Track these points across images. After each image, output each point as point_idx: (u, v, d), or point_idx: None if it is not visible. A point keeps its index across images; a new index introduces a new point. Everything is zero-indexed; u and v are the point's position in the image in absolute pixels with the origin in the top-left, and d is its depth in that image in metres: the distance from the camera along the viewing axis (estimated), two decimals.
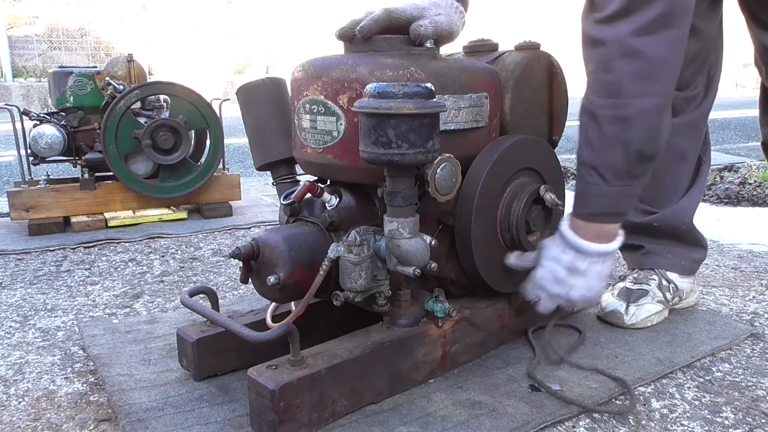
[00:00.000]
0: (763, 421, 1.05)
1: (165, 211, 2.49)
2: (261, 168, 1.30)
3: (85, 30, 9.68)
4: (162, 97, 2.46)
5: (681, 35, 1.05)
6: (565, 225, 1.14)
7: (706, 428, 1.03)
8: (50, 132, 2.31)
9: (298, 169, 1.27)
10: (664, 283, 1.44)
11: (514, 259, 1.20)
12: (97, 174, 2.43)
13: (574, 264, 1.12)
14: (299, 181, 1.25)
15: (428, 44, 1.11)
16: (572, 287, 1.13)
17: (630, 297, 1.40)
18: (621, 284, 1.46)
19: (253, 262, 1.06)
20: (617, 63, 1.03)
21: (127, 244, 2.16)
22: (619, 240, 1.15)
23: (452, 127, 1.12)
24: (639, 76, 1.03)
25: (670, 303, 1.44)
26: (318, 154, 1.12)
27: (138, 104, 2.41)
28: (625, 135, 1.06)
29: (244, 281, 1.09)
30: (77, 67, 2.46)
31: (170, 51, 10.05)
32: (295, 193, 1.11)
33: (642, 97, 1.04)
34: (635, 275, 1.47)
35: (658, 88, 1.05)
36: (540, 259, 1.16)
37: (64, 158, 2.44)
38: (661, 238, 1.49)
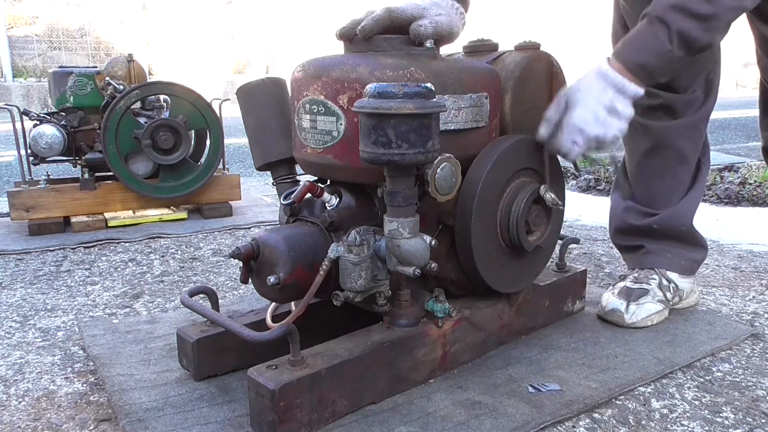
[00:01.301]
0: (763, 421, 1.05)
1: (165, 211, 2.49)
2: (261, 168, 1.30)
3: (85, 30, 9.68)
4: (162, 97, 2.46)
5: None
6: (605, 65, 1.15)
7: (706, 428, 1.03)
8: (50, 132, 2.31)
9: (298, 169, 1.27)
10: (665, 282, 1.44)
11: (543, 128, 1.20)
12: (97, 174, 2.43)
13: (614, 104, 1.14)
14: (299, 181, 1.25)
15: (428, 44, 1.11)
16: (610, 126, 1.15)
17: (630, 296, 1.40)
18: (621, 283, 1.46)
19: (253, 262, 1.06)
20: None
21: (127, 244, 2.16)
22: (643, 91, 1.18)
23: (452, 127, 1.12)
24: None
25: (671, 303, 1.45)
26: (318, 154, 1.12)
27: (138, 104, 2.41)
28: (714, 23, 1.12)
29: (244, 281, 1.09)
30: (77, 67, 2.46)
31: (170, 51, 10.05)
32: (295, 193, 1.11)
33: None
34: (635, 275, 1.47)
35: None
36: (573, 103, 1.16)
37: (64, 158, 2.44)
38: (661, 239, 1.49)
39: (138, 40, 9.61)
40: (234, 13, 10.80)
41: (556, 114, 1.19)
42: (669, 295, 1.43)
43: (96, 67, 2.51)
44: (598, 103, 1.14)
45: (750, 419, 1.05)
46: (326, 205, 1.13)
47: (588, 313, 1.47)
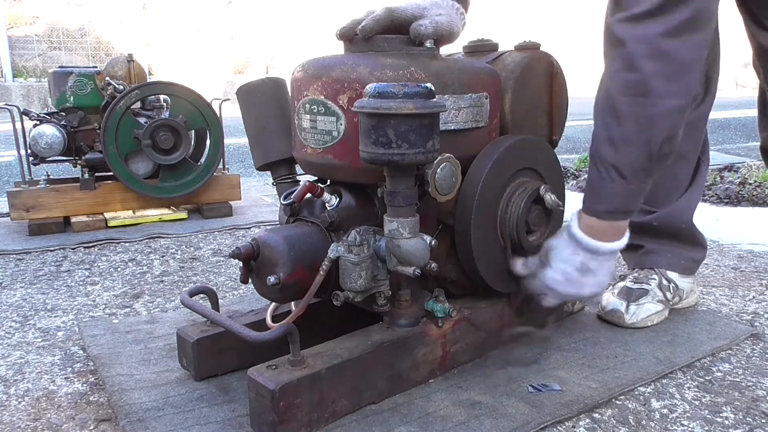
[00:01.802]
0: (763, 421, 1.05)
1: (165, 211, 2.49)
2: (261, 168, 1.30)
3: (85, 30, 9.68)
4: (162, 97, 2.46)
5: (706, 38, 1.06)
6: (575, 225, 1.14)
7: (706, 428, 1.03)
8: (50, 132, 2.31)
9: (298, 169, 1.27)
10: (665, 282, 1.44)
11: (520, 267, 1.20)
12: (97, 174, 2.43)
13: (586, 264, 1.13)
14: (299, 181, 1.25)
15: (428, 44, 1.11)
16: (583, 286, 1.14)
17: (630, 296, 1.40)
18: (621, 283, 1.46)
19: (253, 262, 1.06)
20: (644, 63, 1.02)
21: (127, 244, 2.16)
22: (627, 236, 1.16)
23: (452, 127, 1.12)
24: (666, 77, 1.03)
25: (671, 303, 1.44)
26: (318, 154, 1.12)
27: (138, 104, 2.41)
28: (648, 133, 1.06)
29: (244, 281, 1.09)
30: (77, 67, 2.46)
31: (170, 51, 10.05)
32: (295, 193, 1.11)
33: (668, 98, 1.04)
34: (635, 274, 1.47)
35: (683, 89, 1.05)
36: (548, 261, 1.16)
37: (64, 158, 2.44)
38: (661, 238, 1.49)
39: (138, 40, 9.61)
40: (234, 13, 10.80)
41: (534, 265, 1.19)
42: (669, 295, 1.43)
43: (96, 67, 2.51)
44: (568, 265, 1.13)
45: (750, 419, 1.05)
46: (326, 205, 1.13)
47: (588, 313, 1.47)
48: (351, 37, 1.12)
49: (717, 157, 3.85)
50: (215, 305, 1.19)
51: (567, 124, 1.39)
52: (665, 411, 1.08)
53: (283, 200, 1.17)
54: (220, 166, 2.57)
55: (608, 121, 1.08)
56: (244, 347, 1.16)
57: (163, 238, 2.24)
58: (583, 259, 1.13)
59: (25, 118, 2.35)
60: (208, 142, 2.55)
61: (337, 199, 1.13)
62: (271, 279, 1.01)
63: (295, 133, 1.17)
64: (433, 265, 1.06)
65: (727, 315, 1.48)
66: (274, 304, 1.22)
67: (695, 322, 1.42)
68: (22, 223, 2.33)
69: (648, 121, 1.05)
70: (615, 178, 1.09)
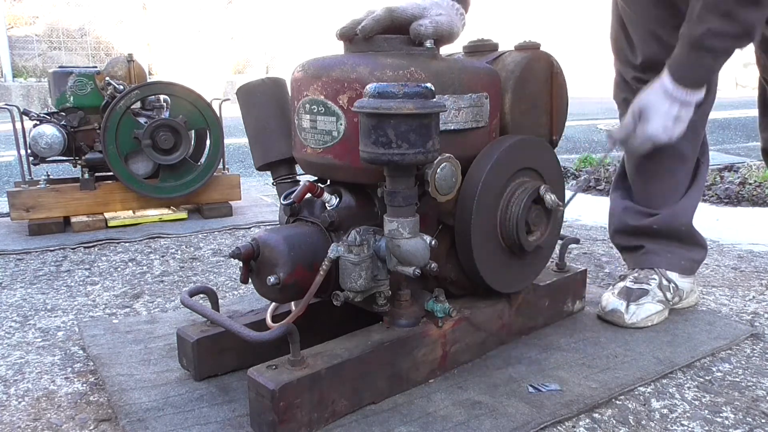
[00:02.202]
0: (763, 421, 1.05)
1: (165, 211, 2.49)
2: (261, 168, 1.30)
3: (85, 30, 9.68)
4: (162, 97, 2.46)
5: None
6: (669, 83, 1.28)
7: (706, 428, 1.03)
8: (50, 132, 2.31)
9: (298, 169, 1.27)
10: (665, 282, 1.44)
11: (617, 132, 1.38)
12: (97, 174, 2.43)
13: (680, 113, 1.30)
14: (299, 181, 1.25)
15: (428, 44, 1.11)
16: (674, 131, 1.32)
17: (630, 296, 1.40)
18: (621, 284, 1.46)
19: (253, 262, 1.06)
20: None
21: (127, 244, 2.16)
22: (705, 87, 1.32)
23: (452, 127, 1.12)
24: None
25: (671, 303, 1.45)
26: (318, 154, 1.12)
27: (138, 104, 2.41)
28: (745, 37, 1.22)
29: (244, 281, 1.09)
30: (77, 67, 2.46)
31: (170, 51, 10.05)
32: (295, 193, 1.11)
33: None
34: (635, 275, 1.47)
35: None
36: (646, 117, 1.32)
37: (64, 158, 2.44)
38: (661, 239, 1.49)
39: (138, 40, 9.61)
40: (234, 13, 10.80)
41: (632, 123, 1.35)
42: (669, 295, 1.43)
43: (96, 67, 2.51)
44: (667, 117, 1.30)
45: (750, 419, 1.05)
46: (326, 205, 1.13)
47: (588, 313, 1.47)
48: (351, 37, 1.13)
49: (717, 157, 3.86)
50: (215, 305, 1.19)
51: (567, 124, 1.39)
52: (665, 411, 1.08)
53: (283, 200, 1.17)
54: (220, 166, 2.57)
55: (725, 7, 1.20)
56: (244, 347, 1.16)
57: (163, 238, 2.24)
58: (677, 110, 1.29)
59: (25, 118, 2.36)
60: (208, 142, 2.55)
61: (337, 199, 1.13)
62: (271, 279, 1.02)
63: (295, 133, 1.17)
64: (433, 265, 1.06)
65: (727, 315, 1.48)
66: (274, 304, 1.22)
67: (695, 322, 1.42)
68: (22, 223, 2.33)
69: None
70: (712, 61, 1.25)
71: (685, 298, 1.49)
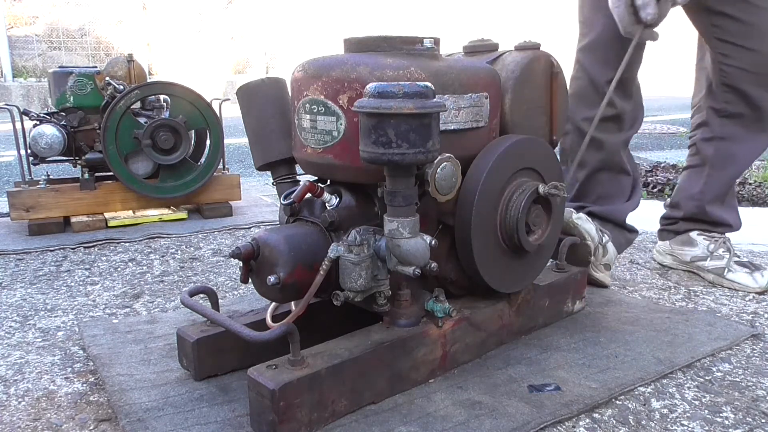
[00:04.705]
0: (763, 421, 1.05)
1: (165, 211, 2.49)
2: (261, 168, 1.30)
3: (85, 30, 9.68)
4: (162, 97, 2.46)
5: None
6: None
7: (706, 428, 1.03)
8: (50, 132, 2.31)
9: (298, 169, 1.27)
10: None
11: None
12: (97, 174, 2.43)
13: None
14: (299, 181, 1.25)
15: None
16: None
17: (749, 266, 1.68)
18: (725, 259, 1.69)
19: (253, 262, 1.06)
20: None
21: (127, 244, 2.16)
22: None
23: (452, 127, 1.12)
24: None
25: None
26: (318, 154, 1.12)
27: (138, 104, 2.41)
28: None
29: (244, 281, 1.09)
30: (77, 67, 2.46)
31: (170, 51, 10.05)
32: (295, 193, 1.11)
33: None
34: (710, 245, 1.74)
35: None
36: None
37: (64, 158, 2.44)
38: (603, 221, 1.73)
39: (138, 40, 9.61)
40: (234, 13, 10.80)
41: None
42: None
43: (96, 67, 2.51)
44: None
45: (750, 419, 1.05)
46: (326, 205, 1.13)
47: (588, 313, 1.47)
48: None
49: None
50: (215, 305, 1.19)
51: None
52: (665, 411, 1.08)
53: (283, 200, 1.17)
54: (220, 166, 2.57)
55: None
56: (244, 347, 1.16)
57: (163, 238, 2.24)
58: None
59: (25, 118, 2.36)
60: (208, 142, 2.55)
61: (337, 199, 1.13)
62: (271, 279, 1.02)
63: (295, 133, 1.17)
64: (433, 265, 1.06)
65: (727, 315, 1.49)
66: (274, 304, 1.22)
67: (695, 323, 1.42)
68: (22, 223, 2.33)
69: None
70: None
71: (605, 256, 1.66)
